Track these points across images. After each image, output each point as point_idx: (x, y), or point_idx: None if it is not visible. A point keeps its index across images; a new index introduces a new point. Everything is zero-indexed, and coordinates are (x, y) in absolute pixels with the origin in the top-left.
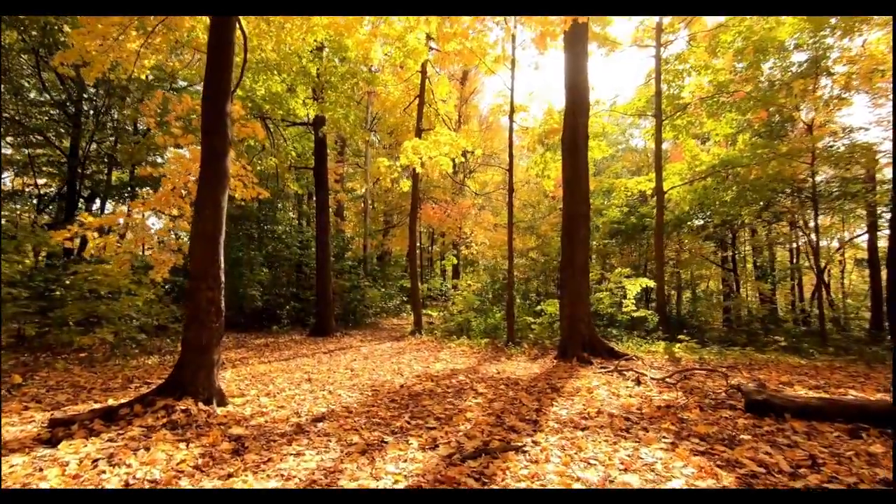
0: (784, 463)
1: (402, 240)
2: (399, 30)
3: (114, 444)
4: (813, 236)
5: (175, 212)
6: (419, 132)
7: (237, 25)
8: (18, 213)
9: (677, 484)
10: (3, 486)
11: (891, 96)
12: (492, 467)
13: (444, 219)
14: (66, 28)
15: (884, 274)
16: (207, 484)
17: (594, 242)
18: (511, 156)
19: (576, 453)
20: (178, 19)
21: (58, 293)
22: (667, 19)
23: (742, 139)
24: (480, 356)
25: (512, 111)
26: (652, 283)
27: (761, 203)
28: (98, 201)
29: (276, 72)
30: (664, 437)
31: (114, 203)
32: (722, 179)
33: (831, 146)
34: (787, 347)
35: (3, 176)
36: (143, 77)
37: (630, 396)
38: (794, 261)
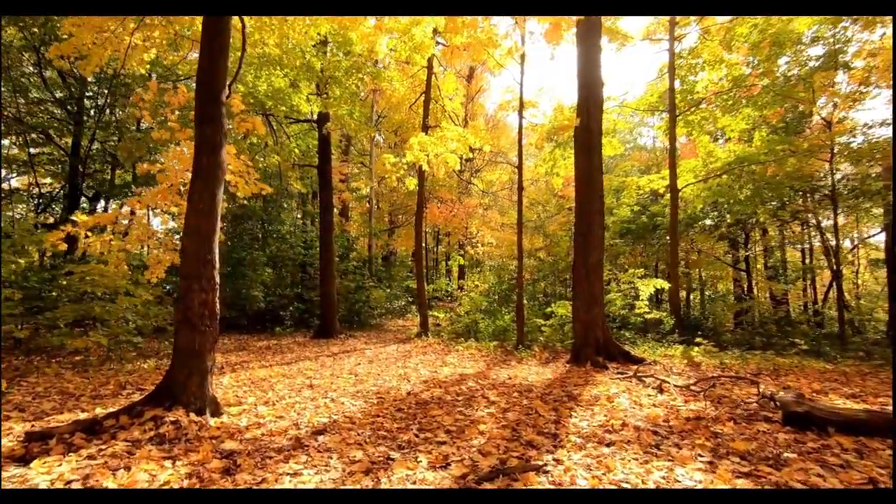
0: (841, 488)
1: (408, 240)
2: (405, 23)
3: (93, 461)
4: (829, 235)
5: (174, 209)
6: (425, 129)
7: None
8: (24, 212)
9: None
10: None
11: None
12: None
13: (451, 218)
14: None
15: None
16: None
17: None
18: (520, 152)
19: (604, 474)
20: None
21: (54, 294)
22: None
23: (759, 135)
24: (489, 360)
25: (521, 106)
26: (666, 285)
27: (778, 202)
28: (102, 202)
29: (278, 67)
30: (700, 455)
31: (118, 203)
32: (737, 177)
33: (850, 142)
34: (807, 351)
35: (5, 176)
36: (143, 72)
37: (654, 406)
38: (809, 261)
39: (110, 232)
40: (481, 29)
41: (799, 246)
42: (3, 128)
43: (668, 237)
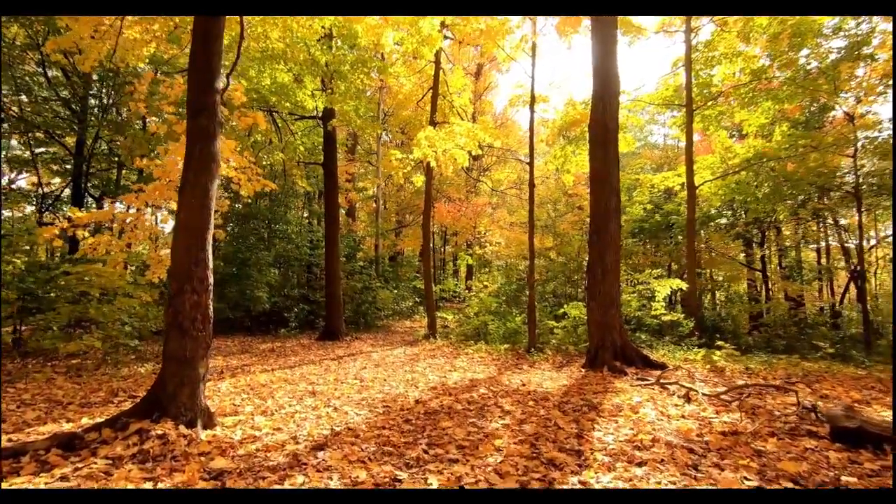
0: None
1: (415, 239)
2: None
3: (65, 483)
4: (847, 235)
5: (173, 206)
6: (433, 125)
7: None
8: (31, 212)
9: None
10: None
11: None
12: None
13: (459, 217)
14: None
15: None
16: None
17: None
18: (532, 148)
19: None
20: None
21: (52, 294)
22: None
23: (779, 130)
24: (500, 364)
25: (532, 100)
26: (684, 285)
27: (798, 199)
28: (108, 203)
29: (282, 61)
30: (746, 479)
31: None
32: (755, 174)
33: (875, 137)
34: (834, 355)
35: (14, 176)
36: (143, 65)
37: (683, 418)
38: (827, 261)
39: (105, 230)
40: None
41: (813, 245)
42: (6, 126)
43: (681, 236)
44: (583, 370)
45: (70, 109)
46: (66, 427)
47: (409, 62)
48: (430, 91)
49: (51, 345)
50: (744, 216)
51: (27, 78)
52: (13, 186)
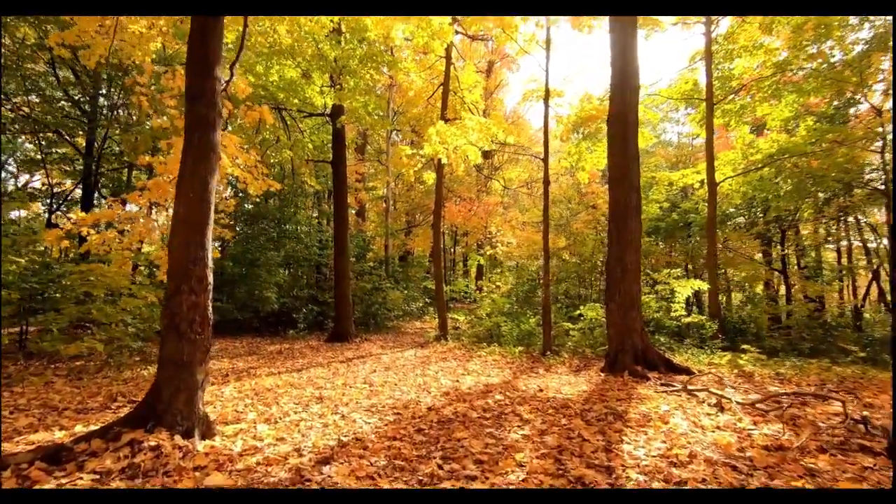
0: None
1: (425, 239)
2: None
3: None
4: (869, 233)
5: None
6: (444, 121)
7: None
8: (43, 212)
9: None
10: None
11: None
12: None
13: (470, 217)
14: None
15: None
16: None
17: None
18: (546, 143)
19: None
20: None
21: (57, 295)
22: None
23: (804, 125)
24: (515, 367)
25: (547, 94)
26: (705, 286)
27: (824, 196)
28: (110, 202)
29: (290, 57)
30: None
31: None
32: (778, 170)
33: None
34: (865, 359)
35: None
36: (149, 60)
37: (719, 429)
38: (849, 260)
39: (112, 228)
40: None
41: (833, 245)
42: (16, 126)
43: (699, 236)
44: (602, 374)
45: (80, 109)
46: (59, 435)
47: (420, 58)
48: (441, 87)
49: (51, 347)
50: (763, 215)
51: (37, 78)
52: (27, 187)
